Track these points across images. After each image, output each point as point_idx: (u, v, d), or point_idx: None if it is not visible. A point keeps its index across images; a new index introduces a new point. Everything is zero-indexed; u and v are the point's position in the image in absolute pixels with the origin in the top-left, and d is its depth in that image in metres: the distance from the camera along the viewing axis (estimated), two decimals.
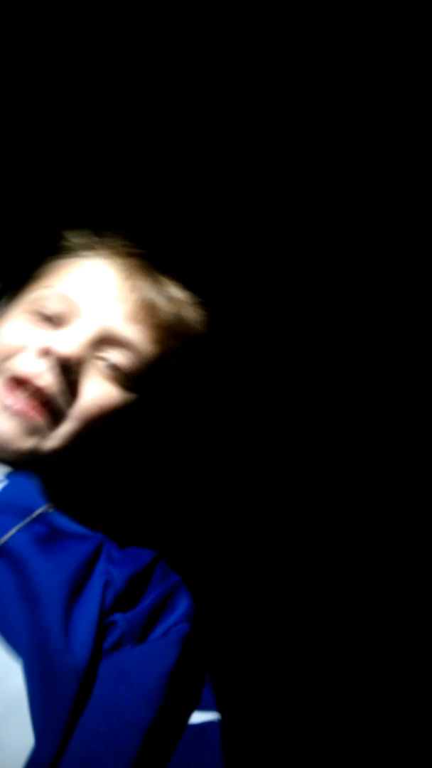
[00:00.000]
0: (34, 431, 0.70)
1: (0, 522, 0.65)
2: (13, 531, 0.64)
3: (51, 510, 0.70)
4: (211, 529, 1.16)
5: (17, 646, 0.55)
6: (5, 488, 0.68)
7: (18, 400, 0.70)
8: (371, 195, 1.10)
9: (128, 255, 0.81)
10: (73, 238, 0.84)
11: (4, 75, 1.04)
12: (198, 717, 0.64)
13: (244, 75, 1.04)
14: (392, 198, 1.10)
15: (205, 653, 0.69)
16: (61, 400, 0.71)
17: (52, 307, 0.75)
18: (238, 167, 1.09)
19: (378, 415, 1.17)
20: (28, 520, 0.66)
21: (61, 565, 0.62)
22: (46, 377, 0.71)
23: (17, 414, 0.70)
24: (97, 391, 0.74)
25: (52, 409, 0.71)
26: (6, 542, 0.63)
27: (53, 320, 0.75)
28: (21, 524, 0.65)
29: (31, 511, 0.68)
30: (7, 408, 0.70)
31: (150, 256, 0.83)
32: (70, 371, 0.72)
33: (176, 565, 0.77)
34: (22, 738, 0.53)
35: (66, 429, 0.72)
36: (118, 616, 0.62)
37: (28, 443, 0.70)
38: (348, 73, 1.03)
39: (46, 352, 0.71)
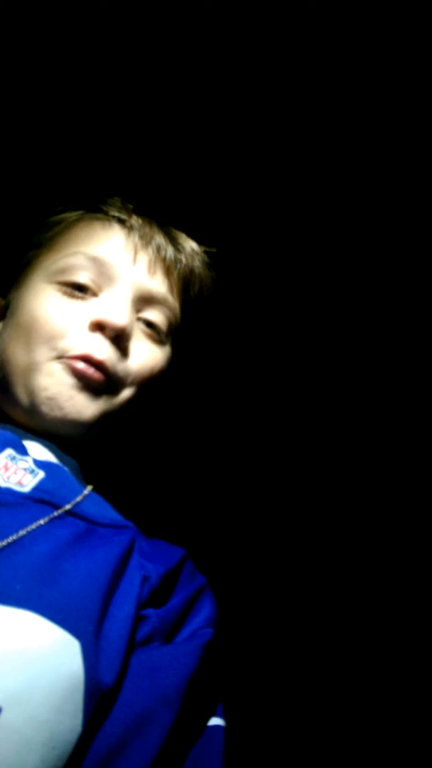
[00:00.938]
0: (98, 395, 0.72)
1: (39, 514, 0.63)
2: (52, 516, 0.64)
3: (87, 493, 0.70)
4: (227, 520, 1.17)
5: (71, 628, 0.53)
6: (45, 479, 0.68)
7: (82, 375, 0.71)
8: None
9: (143, 214, 0.83)
10: (87, 202, 0.85)
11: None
12: (209, 721, 0.65)
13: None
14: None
15: (221, 660, 0.70)
16: (119, 369, 0.74)
17: (85, 274, 0.76)
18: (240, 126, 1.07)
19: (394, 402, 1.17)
20: (65, 509, 0.66)
21: (99, 557, 0.62)
22: (104, 350, 0.72)
23: (83, 382, 0.71)
24: (146, 353, 0.77)
25: (113, 378, 0.73)
26: (46, 532, 0.61)
27: (88, 288, 0.76)
28: (56, 514, 0.64)
29: (68, 501, 0.67)
30: (74, 384, 0.71)
31: (162, 213, 0.85)
32: (122, 339, 0.74)
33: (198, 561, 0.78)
34: (73, 727, 0.50)
35: (124, 394, 0.74)
36: (150, 611, 0.63)
37: (97, 409, 0.72)
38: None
39: (100, 326, 0.73)
